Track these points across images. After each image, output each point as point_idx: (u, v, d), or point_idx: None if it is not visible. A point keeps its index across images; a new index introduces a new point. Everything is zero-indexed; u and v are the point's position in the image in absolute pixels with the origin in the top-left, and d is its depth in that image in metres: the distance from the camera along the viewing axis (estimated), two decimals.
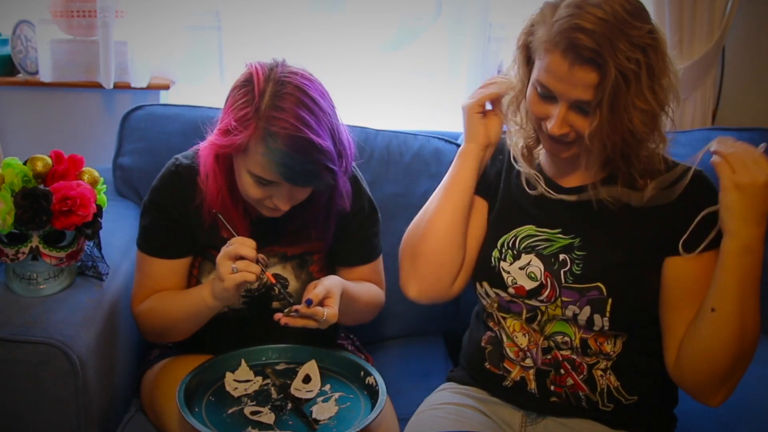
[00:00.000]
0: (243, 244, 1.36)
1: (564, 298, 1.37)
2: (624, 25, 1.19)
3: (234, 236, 1.40)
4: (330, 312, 1.37)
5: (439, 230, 1.46)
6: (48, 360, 1.33)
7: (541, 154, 1.46)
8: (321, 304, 1.38)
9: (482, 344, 1.49)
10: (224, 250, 1.37)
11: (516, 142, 1.45)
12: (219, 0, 2.22)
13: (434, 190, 1.96)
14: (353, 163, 1.50)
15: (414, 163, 1.97)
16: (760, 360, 1.85)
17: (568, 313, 1.36)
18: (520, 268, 1.40)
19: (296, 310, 1.36)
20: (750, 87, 2.32)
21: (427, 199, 1.93)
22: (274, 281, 1.43)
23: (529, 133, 1.41)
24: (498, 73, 2.28)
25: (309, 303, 1.36)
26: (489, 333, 1.48)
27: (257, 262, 1.37)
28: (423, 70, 2.34)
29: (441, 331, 1.98)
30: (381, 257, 1.66)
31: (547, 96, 1.27)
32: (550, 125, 1.27)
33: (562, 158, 1.36)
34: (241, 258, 1.35)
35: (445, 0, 2.25)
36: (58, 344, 1.34)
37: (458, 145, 2.02)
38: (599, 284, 1.34)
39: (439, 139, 2.02)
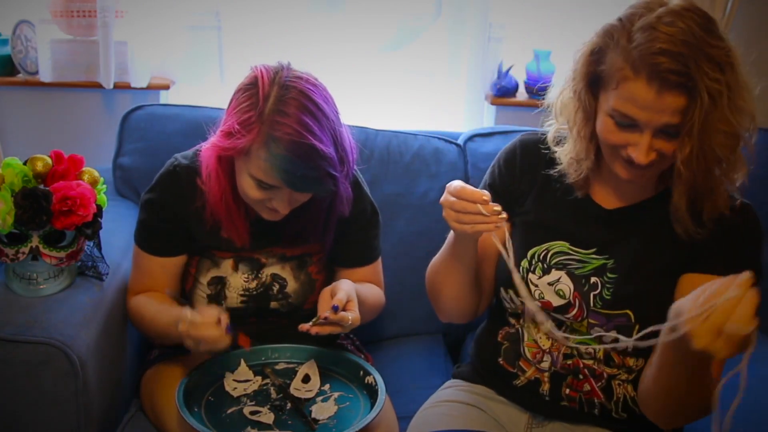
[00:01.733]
0: (205, 329, 1.33)
1: (591, 320, 1.33)
2: (703, 44, 1.14)
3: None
4: (354, 316, 1.38)
5: (450, 295, 1.43)
6: (48, 360, 1.33)
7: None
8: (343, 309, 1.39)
9: (498, 339, 1.46)
10: (186, 333, 1.33)
11: (577, 171, 1.36)
12: (219, 0, 2.22)
13: (434, 190, 1.97)
14: (354, 167, 1.50)
15: (414, 163, 1.97)
16: (760, 360, 1.86)
17: (594, 332, 1.34)
18: (549, 284, 1.36)
19: (326, 318, 1.36)
20: (750, 87, 2.32)
21: (426, 199, 1.95)
22: (248, 345, 1.42)
23: (588, 164, 1.34)
24: (498, 75, 2.28)
25: (336, 309, 1.36)
26: (508, 328, 1.45)
27: (227, 331, 1.34)
28: (423, 70, 2.35)
29: (441, 331, 1.98)
30: (380, 258, 1.66)
31: (628, 125, 1.21)
32: (636, 154, 1.20)
33: (631, 183, 1.30)
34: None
35: (445, 0, 2.25)
36: (58, 344, 1.34)
37: (458, 145, 2.04)
38: (628, 312, 1.30)
39: (439, 139, 2.02)
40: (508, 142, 1.51)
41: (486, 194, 1.23)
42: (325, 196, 1.45)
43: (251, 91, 1.35)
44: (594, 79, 1.26)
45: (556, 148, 1.40)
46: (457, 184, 1.25)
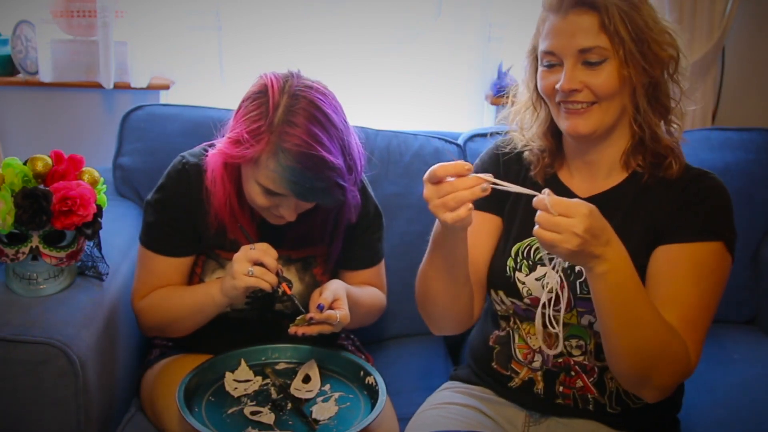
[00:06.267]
0: (266, 253, 1.37)
1: (579, 309, 1.35)
2: None
3: (252, 245, 1.40)
4: (342, 314, 1.38)
5: (444, 304, 1.39)
6: (48, 360, 1.33)
7: (562, 166, 1.45)
8: (330, 308, 1.39)
9: (490, 343, 1.47)
10: (246, 251, 1.38)
11: (538, 157, 1.45)
12: (219, 0, 2.22)
13: None
14: (362, 174, 1.50)
15: (414, 163, 1.97)
16: (760, 360, 1.86)
17: (584, 321, 1.35)
18: (536, 279, 1.37)
19: (311, 318, 1.36)
20: (750, 87, 2.32)
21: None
22: (289, 292, 1.43)
23: (544, 143, 1.43)
24: (498, 75, 2.28)
25: (321, 308, 1.37)
26: (497, 332, 1.46)
27: (276, 273, 1.38)
28: (423, 70, 2.34)
29: None
30: (383, 261, 1.66)
31: (553, 64, 1.31)
32: (560, 83, 1.28)
33: (582, 137, 1.33)
34: (261, 264, 1.36)
35: (445, 0, 2.25)
36: (58, 344, 1.33)
37: (458, 145, 2.04)
38: None
39: (439, 139, 2.02)
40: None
41: (467, 164, 1.16)
42: (334, 205, 1.45)
43: (260, 99, 1.35)
44: (536, 54, 1.37)
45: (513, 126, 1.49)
46: (432, 168, 1.16)
